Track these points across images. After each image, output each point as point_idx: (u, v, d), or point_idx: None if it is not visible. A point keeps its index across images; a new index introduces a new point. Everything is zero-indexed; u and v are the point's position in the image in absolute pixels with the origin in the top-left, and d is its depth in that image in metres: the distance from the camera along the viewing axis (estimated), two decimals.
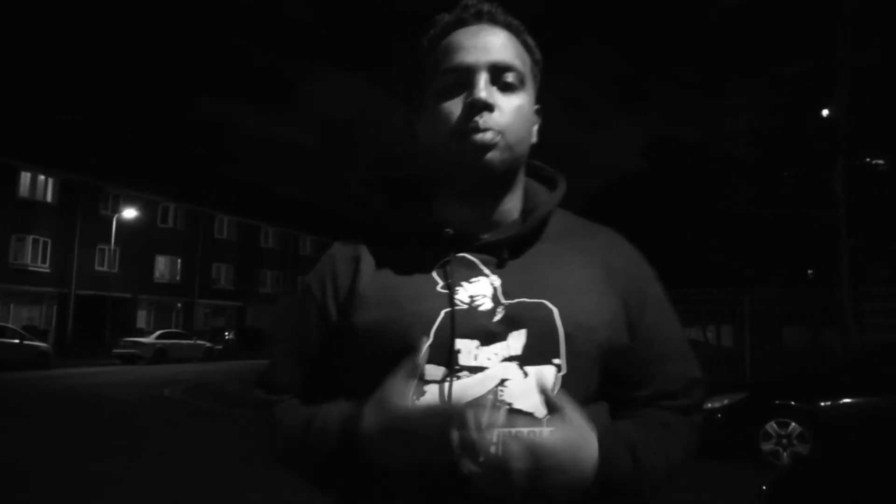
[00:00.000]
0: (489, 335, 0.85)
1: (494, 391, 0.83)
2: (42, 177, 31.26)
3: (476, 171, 0.88)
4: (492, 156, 0.87)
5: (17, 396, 13.71)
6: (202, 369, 23.05)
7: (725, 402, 7.47)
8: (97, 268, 32.93)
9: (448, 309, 0.85)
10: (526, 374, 0.83)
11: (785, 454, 6.94)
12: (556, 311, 0.86)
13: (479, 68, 0.88)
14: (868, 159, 15.59)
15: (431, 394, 0.83)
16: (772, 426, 7.04)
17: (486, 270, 0.89)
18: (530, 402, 0.82)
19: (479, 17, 0.92)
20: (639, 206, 22.56)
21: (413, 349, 0.82)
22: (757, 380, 10.98)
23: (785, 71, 15.00)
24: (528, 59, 0.94)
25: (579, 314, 0.87)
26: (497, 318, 0.85)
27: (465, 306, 0.86)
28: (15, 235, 29.88)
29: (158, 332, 27.62)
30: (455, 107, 0.88)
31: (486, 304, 0.86)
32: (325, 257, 1.00)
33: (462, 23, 0.92)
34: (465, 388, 0.82)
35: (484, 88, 0.87)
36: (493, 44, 0.89)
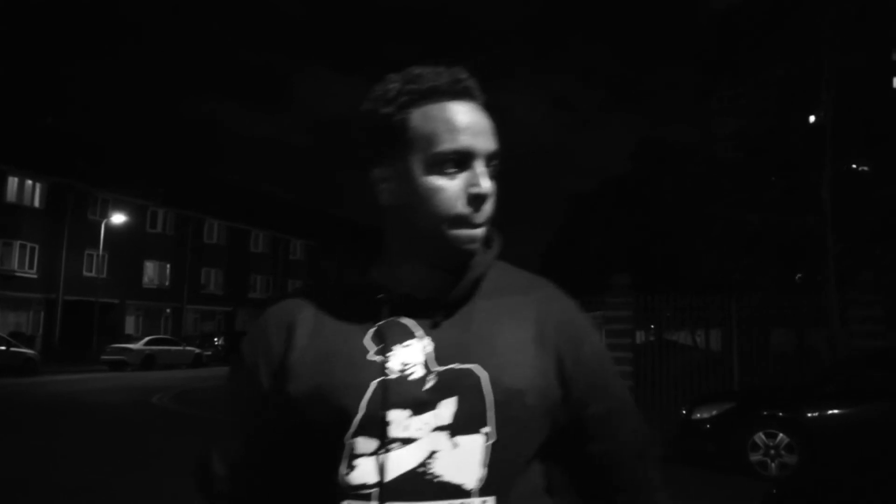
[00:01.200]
0: (420, 404, 0.84)
1: (425, 463, 0.83)
2: (30, 181, 31.05)
3: (452, 257, 0.90)
4: (474, 248, 0.90)
5: (2, 404, 13.58)
6: (191, 376, 22.91)
7: (714, 412, 7.50)
8: (85, 273, 32.70)
9: (379, 379, 0.85)
10: (455, 445, 0.83)
11: (773, 465, 6.97)
12: (484, 376, 0.86)
13: (479, 155, 0.89)
14: (854, 165, 15.72)
15: (362, 469, 0.83)
16: (759, 437, 7.07)
17: (419, 333, 0.89)
18: (461, 473, 0.82)
19: (472, 96, 0.91)
20: (626, 210, 22.65)
21: (342, 420, 0.83)
22: (745, 385, 11.03)
23: (771, 75, 15.12)
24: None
25: (508, 378, 0.86)
26: (428, 385, 0.85)
27: (397, 375, 0.86)
28: (1, 241, 29.64)
29: (146, 339, 27.41)
30: (452, 188, 0.88)
31: (417, 372, 0.86)
32: (257, 325, 0.98)
33: (457, 94, 0.90)
34: (397, 460, 0.82)
35: (486, 180, 0.88)
36: (488, 130, 0.91)
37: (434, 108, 0.89)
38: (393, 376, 0.86)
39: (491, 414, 0.85)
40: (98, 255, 32.18)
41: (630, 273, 12.13)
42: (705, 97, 18.03)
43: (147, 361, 25.62)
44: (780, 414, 7.12)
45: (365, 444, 0.83)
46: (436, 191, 0.88)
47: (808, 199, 13.50)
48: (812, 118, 15.21)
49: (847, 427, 6.86)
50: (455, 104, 0.89)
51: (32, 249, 30.93)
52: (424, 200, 0.88)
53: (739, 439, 7.11)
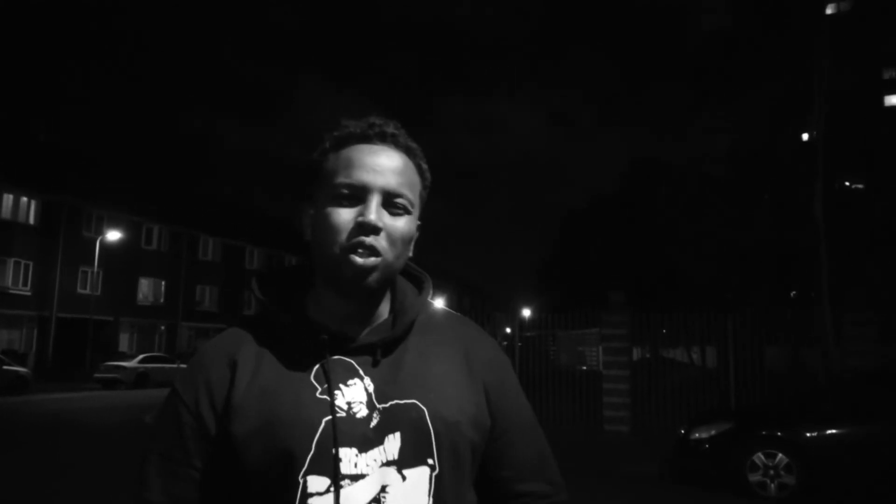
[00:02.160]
0: (367, 441, 0.89)
1: (377, 498, 0.87)
2: (24, 198, 30.96)
3: (351, 287, 0.94)
4: (371, 278, 0.93)
5: None
6: None
7: (712, 432, 7.48)
8: (79, 290, 32.53)
9: (329, 417, 0.88)
10: (404, 478, 0.88)
11: (772, 485, 6.96)
12: (426, 410, 0.92)
13: (374, 190, 0.94)
14: (847, 183, 15.84)
15: None
16: (759, 457, 7.05)
17: (361, 372, 0.94)
18: None
19: (383, 139, 0.98)
20: (620, 227, 22.71)
21: (292, 459, 0.86)
22: (741, 403, 11.01)
23: (762, 93, 15.26)
24: (418, 184, 1.00)
25: (445, 410, 0.93)
26: (373, 423, 0.90)
27: (344, 413, 0.89)
28: None
29: (140, 356, 27.21)
30: (345, 218, 0.93)
31: (362, 411, 0.90)
32: (194, 362, 0.99)
33: (366, 139, 0.97)
34: (349, 497, 0.86)
35: (374, 211, 0.93)
36: (390, 169, 0.95)
37: (346, 150, 0.97)
38: (341, 414, 0.89)
39: (433, 446, 0.91)
40: (92, 272, 32.04)
41: (625, 290, 12.16)
42: (697, 114, 18.16)
43: (140, 379, 25.43)
44: (779, 434, 7.10)
45: (317, 482, 0.86)
46: (330, 219, 0.94)
47: (799, 215, 13.58)
48: (805, 136, 15.34)
49: (846, 447, 6.85)
50: (363, 146, 0.97)
51: (26, 266, 30.78)
52: (323, 230, 0.94)
53: (738, 459, 7.09)
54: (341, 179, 0.94)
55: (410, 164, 1.00)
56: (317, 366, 0.93)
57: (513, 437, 1.03)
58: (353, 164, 0.95)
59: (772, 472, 6.99)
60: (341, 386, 0.92)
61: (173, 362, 28.52)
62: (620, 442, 10.81)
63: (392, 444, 0.89)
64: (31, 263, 30.85)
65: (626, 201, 23.88)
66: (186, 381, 0.97)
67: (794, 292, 18.66)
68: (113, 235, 32.03)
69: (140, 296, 36.67)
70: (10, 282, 30.01)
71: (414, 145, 1.01)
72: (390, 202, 0.95)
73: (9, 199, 30.34)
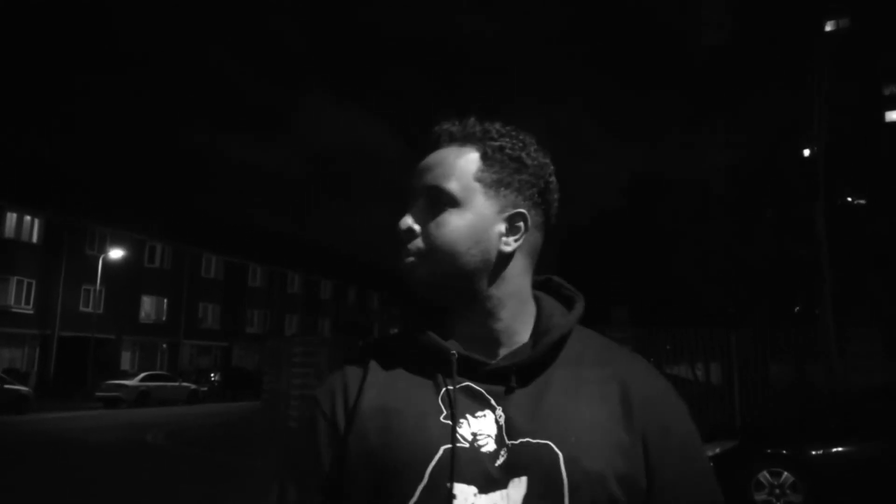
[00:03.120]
0: (489, 481, 0.78)
1: None
2: (28, 217, 31.10)
3: (419, 295, 0.90)
4: (415, 279, 0.89)
5: None
6: (186, 412, 22.65)
7: (717, 450, 7.40)
8: (81, 308, 32.55)
9: (448, 446, 0.79)
10: None
11: None
12: (561, 455, 0.79)
13: (416, 193, 0.91)
14: (849, 199, 15.84)
15: None
16: (764, 476, 6.97)
17: (493, 402, 0.84)
18: None
19: (437, 143, 0.94)
20: (623, 243, 22.70)
21: (401, 487, 0.78)
22: (746, 420, 10.93)
23: (763, 109, 15.31)
24: (484, 171, 0.89)
25: (587, 460, 0.79)
26: (500, 461, 0.79)
27: (467, 445, 0.80)
28: None
29: (142, 375, 27.14)
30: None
31: (489, 445, 0.80)
32: (335, 373, 0.95)
33: (424, 150, 0.95)
34: None
35: (410, 214, 0.90)
36: (426, 167, 0.91)
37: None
38: (463, 445, 0.80)
39: (567, 499, 0.78)
40: (95, 290, 32.07)
41: (628, 306, 12.11)
42: (698, 129, 18.22)
43: (142, 398, 25.33)
44: (784, 452, 7.03)
45: None
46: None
47: (802, 231, 13.56)
48: (806, 152, 15.37)
49: (853, 465, 6.78)
50: (431, 152, 0.94)
51: (29, 285, 30.83)
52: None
53: (743, 478, 7.01)
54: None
55: (470, 155, 0.91)
56: (444, 389, 0.85)
57: (670, 497, 0.84)
58: (409, 175, 0.95)
59: (777, 490, 6.91)
60: (468, 416, 0.82)
61: (175, 380, 28.45)
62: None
63: (516, 490, 0.78)
64: (33, 282, 30.91)
65: (627, 217, 23.88)
66: (325, 390, 0.93)
67: (797, 308, 18.59)
68: (116, 253, 32.12)
69: (142, 314, 36.68)
70: (12, 300, 30.02)
71: (477, 130, 0.93)
72: (432, 201, 0.89)
73: (12, 217, 30.47)
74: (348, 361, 0.94)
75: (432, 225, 0.88)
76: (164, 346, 37.93)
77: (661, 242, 18.56)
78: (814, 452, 6.91)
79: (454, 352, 0.85)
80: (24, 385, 23.17)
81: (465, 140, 0.92)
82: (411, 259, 0.89)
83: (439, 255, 0.87)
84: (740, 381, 11.37)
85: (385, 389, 0.86)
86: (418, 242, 0.89)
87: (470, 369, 0.85)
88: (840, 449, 6.91)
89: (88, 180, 37.35)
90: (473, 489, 0.78)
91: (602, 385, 0.86)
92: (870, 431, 7.02)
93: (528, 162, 0.92)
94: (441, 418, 0.82)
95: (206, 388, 30.41)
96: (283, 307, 46.79)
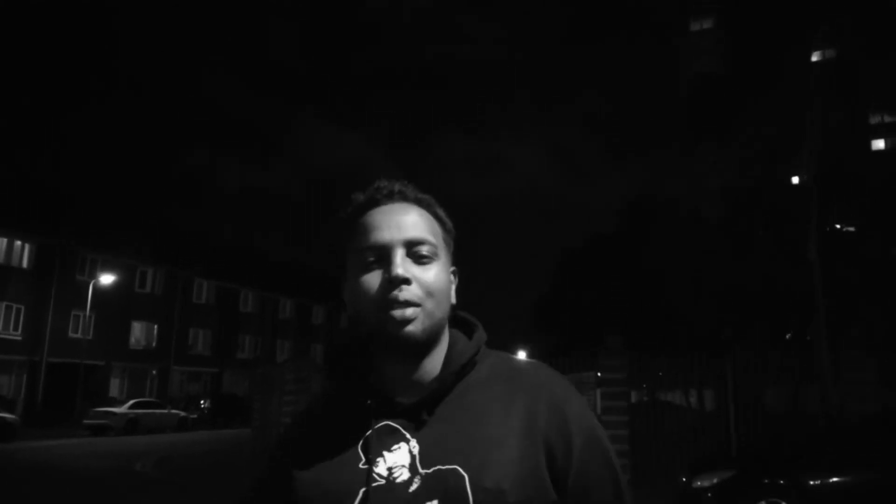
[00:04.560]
0: None
1: None
2: (18, 242, 30.91)
3: (398, 342, 0.92)
4: (412, 328, 0.91)
5: None
6: (175, 440, 22.35)
7: (715, 480, 7.35)
8: (70, 334, 32.22)
9: (364, 488, 0.88)
10: None
11: None
12: (466, 477, 0.86)
13: (395, 245, 0.94)
14: (839, 226, 15.98)
15: None
16: None
17: (407, 434, 0.92)
18: None
19: (391, 197, 0.99)
20: (617, 267, 22.75)
21: None
22: (742, 448, 10.86)
23: (754, 135, 15.52)
24: (439, 230, 1.00)
25: (488, 478, 0.86)
26: (413, 488, 0.87)
27: (383, 481, 0.88)
28: None
29: (130, 402, 26.81)
30: (374, 281, 0.93)
31: (403, 475, 0.89)
32: (292, 419, 1.08)
33: (375, 203, 0.99)
34: None
35: (400, 264, 0.92)
36: (405, 222, 0.96)
37: (359, 221, 0.99)
38: (379, 483, 0.88)
39: None
40: (85, 316, 31.77)
41: (622, 330, 12.09)
42: (692, 154, 18.43)
43: (130, 425, 25.01)
44: (782, 482, 6.99)
45: None
46: (362, 285, 0.94)
47: (794, 256, 13.65)
48: (795, 179, 15.55)
49: (851, 494, 6.73)
50: (372, 210, 0.98)
51: (18, 310, 30.53)
52: (358, 298, 0.95)
53: None
54: (363, 245, 0.96)
55: (426, 214, 1.00)
56: (367, 433, 0.94)
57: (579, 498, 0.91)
58: (369, 228, 0.96)
59: None
60: (384, 453, 0.91)
61: (164, 408, 28.10)
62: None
63: None
64: (22, 307, 30.63)
65: (621, 241, 23.99)
66: (281, 435, 1.05)
67: (788, 335, 18.63)
68: (106, 279, 31.90)
69: (132, 340, 36.33)
70: (0, 326, 29.70)
71: (425, 196, 1.02)
72: (414, 253, 0.95)
73: (2, 242, 30.29)
74: (302, 410, 1.07)
75: (420, 276, 0.94)
76: (154, 372, 37.51)
77: (654, 266, 18.62)
78: (812, 482, 6.87)
79: (369, 401, 0.95)
80: (11, 412, 22.83)
81: (416, 201, 1.00)
82: (413, 309, 0.92)
83: (433, 305, 0.94)
84: (735, 408, 11.33)
85: (313, 447, 0.96)
86: (416, 291, 0.93)
87: (387, 410, 0.94)
88: (838, 478, 6.87)
89: (81, 205, 37.20)
90: None
91: (507, 402, 0.93)
92: (868, 460, 6.99)
93: (450, 227, 1.05)
94: (360, 465, 0.91)
95: (195, 416, 30.06)
96: (274, 333, 46.48)
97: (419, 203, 1.00)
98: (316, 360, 42.76)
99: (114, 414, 25.06)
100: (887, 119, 46.89)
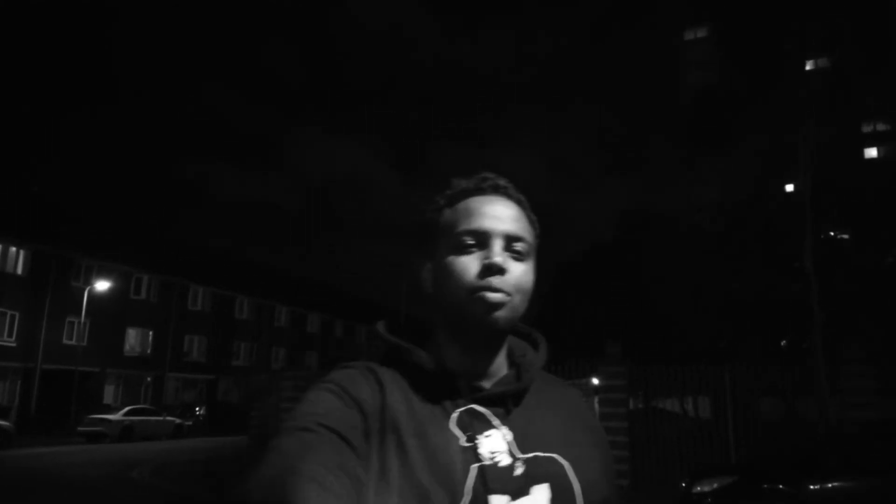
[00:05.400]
0: (515, 491, 0.89)
1: None
2: (13, 248, 30.79)
3: (483, 326, 0.95)
4: (499, 314, 0.94)
5: None
6: (171, 447, 22.24)
7: (715, 485, 7.41)
8: (65, 341, 32.06)
9: (477, 464, 0.88)
10: None
11: None
12: (566, 465, 0.94)
13: (495, 235, 0.97)
14: (832, 234, 16.09)
15: None
16: None
17: (496, 421, 0.94)
18: None
19: (496, 190, 1.02)
20: (615, 278, 22.82)
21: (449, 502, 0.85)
22: (741, 456, 10.91)
23: (749, 147, 15.63)
24: (532, 233, 1.03)
25: (586, 469, 0.95)
26: (517, 472, 0.90)
27: (490, 462, 0.90)
28: None
29: (126, 409, 26.64)
30: (470, 264, 0.96)
31: (504, 459, 0.91)
32: (346, 371, 0.96)
33: (480, 191, 1.02)
34: None
35: (499, 253, 0.96)
36: (508, 215, 0.99)
37: (461, 203, 1.02)
38: (487, 462, 0.89)
39: (579, 501, 0.92)
40: (79, 323, 31.63)
41: (621, 340, 12.15)
42: (689, 167, 18.53)
43: (126, 433, 24.86)
44: (781, 487, 7.04)
45: None
46: (456, 265, 0.96)
47: (789, 267, 13.74)
48: (789, 187, 15.65)
49: (849, 501, 6.78)
50: (480, 197, 1.01)
51: (12, 317, 30.38)
52: (448, 277, 0.97)
53: None
54: (463, 228, 0.98)
55: (523, 214, 1.03)
56: (454, 413, 0.93)
57: None
58: (472, 213, 0.99)
59: None
60: (478, 436, 0.92)
61: (160, 415, 27.98)
62: (621, 496, 10.62)
63: (541, 495, 0.90)
64: (17, 314, 30.47)
65: (619, 252, 24.09)
66: (346, 379, 0.93)
67: (783, 342, 18.71)
68: (101, 285, 31.78)
69: (127, 346, 36.18)
70: None
71: (523, 198, 1.05)
72: (511, 247, 0.98)
73: None
74: (356, 366, 0.97)
75: (514, 270, 0.97)
76: (149, 379, 37.35)
77: (651, 277, 18.69)
78: (812, 487, 6.92)
79: (460, 381, 0.96)
80: (5, 419, 22.69)
81: (517, 201, 1.03)
82: (503, 295, 0.95)
83: (519, 299, 0.97)
84: (734, 417, 11.38)
85: (409, 404, 0.92)
86: (510, 280, 0.96)
87: (468, 394, 0.96)
88: (838, 484, 6.92)
89: (76, 211, 37.14)
90: (506, 498, 0.88)
91: (564, 407, 1.04)
92: (869, 468, 7.04)
93: (539, 232, 1.07)
94: (460, 442, 0.90)
95: (191, 423, 29.92)
96: (270, 340, 46.36)
97: (519, 203, 1.03)
98: (312, 368, 42.66)
99: (109, 421, 24.91)
100: (880, 128, 47.24)
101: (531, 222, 1.04)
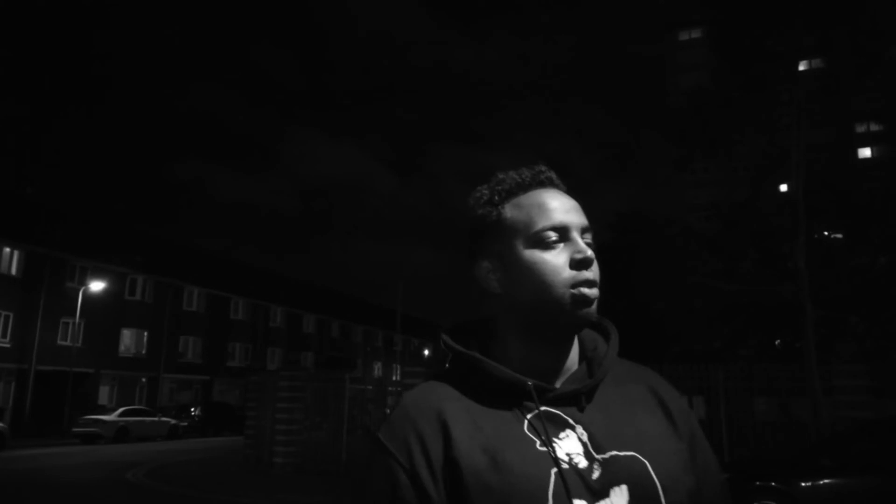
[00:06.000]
0: (594, 494, 0.86)
1: None
2: (7, 249, 30.68)
3: (578, 321, 0.94)
4: (592, 309, 0.94)
5: None
6: (166, 448, 22.21)
7: None
8: (60, 342, 31.96)
9: (556, 469, 0.87)
10: None
11: None
12: (648, 463, 0.90)
13: (573, 227, 0.96)
14: (826, 233, 16.17)
15: None
16: None
17: (571, 421, 0.92)
18: None
19: (553, 183, 1.01)
20: (607, 280, 22.90)
21: None
22: (734, 455, 10.98)
23: (742, 149, 15.67)
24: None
25: (669, 465, 0.91)
26: (595, 474, 0.88)
27: (567, 466, 0.88)
28: None
29: (120, 410, 26.59)
30: (559, 259, 0.94)
31: (582, 462, 0.88)
32: (400, 416, 0.94)
33: (540, 184, 1.00)
34: None
35: (586, 247, 0.95)
36: (575, 207, 0.99)
37: (524, 198, 0.99)
38: (565, 466, 0.87)
39: (663, 501, 0.88)
40: (74, 324, 31.54)
41: None
42: (683, 168, 18.57)
43: (120, 434, 24.81)
44: (773, 484, 7.10)
45: None
46: (542, 263, 0.94)
47: (782, 267, 13.81)
48: (783, 187, 15.71)
49: (841, 499, 6.85)
50: (541, 191, 0.99)
51: (6, 318, 30.27)
52: (533, 275, 0.94)
53: None
54: (544, 223, 0.96)
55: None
56: (526, 418, 0.91)
57: (708, 496, 0.98)
58: (546, 208, 0.97)
59: None
60: (554, 439, 0.90)
61: (154, 415, 27.94)
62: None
63: (619, 497, 0.87)
64: (10, 315, 30.35)
65: (612, 254, 24.16)
66: (395, 436, 0.92)
67: (777, 341, 18.79)
68: (96, 286, 31.70)
69: (122, 347, 36.09)
70: None
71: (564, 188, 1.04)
72: (586, 239, 0.97)
73: None
74: (417, 403, 0.95)
75: (593, 258, 0.96)
76: (144, 380, 37.27)
77: (645, 279, 18.75)
78: (803, 484, 6.99)
79: (530, 382, 0.93)
80: None
81: (568, 193, 1.02)
82: (596, 290, 0.95)
83: (597, 289, 0.96)
84: (728, 416, 11.43)
85: (473, 430, 0.90)
86: (597, 272, 0.96)
87: (540, 394, 0.93)
88: (829, 481, 6.99)
89: (70, 212, 37.02)
90: (584, 502, 0.86)
91: (643, 398, 0.99)
92: (860, 467, 7.11)
93: None
94: (537, 447, 0.88)
95: (185, 424, 29.90)
96: (265, 341, 46.30)
97: (570, 195, 1.02)
98: (307, 368, 42.62)
99: (103, 422, 24.85)
100: (873, 129, 47.49)
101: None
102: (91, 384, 33.36)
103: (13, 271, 30.87)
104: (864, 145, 46.38)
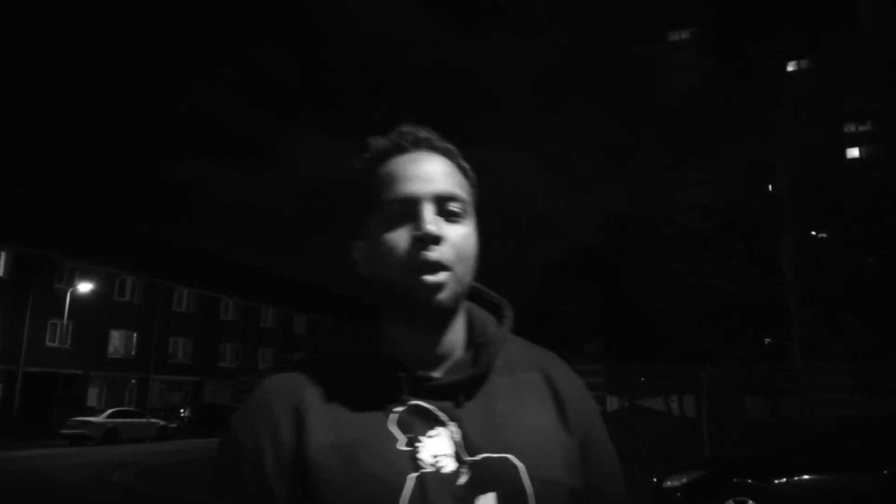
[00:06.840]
0: (458, 501, 0.77)
1: None
2: None
3: (426, 310, 0.82)
4: (443, 295, 0.82)
5: None
6: (155, 450, 22.11)
7: (684, 480, 7.52)
8: (48, 343, 31.76)
9: (414, 474, 0.77)
10: None
11: None
12: (521, 467, 0.80)
13: (424, 199, 0.83)
14: (813, 233, 16.24)
15: None
16: None
17: (443, 418, 0.82)
18: None
19: (417, 144, 0.88)
20: (598, 279, 22.92)
21: None
22: (716, 453, 11.04)
23: (734, 150, 15.75)
24: (466, 184, 0.89)
25: (545, 468, 0.81)
26: (462, 480, 0.78)
27: (431, 469, 0.78)
28: None
29: (109, 411, 26.45)
30: (400, 238, 0.82)
31: (448, 465, 0.79)
32: (255, 402, 0.85)
33: (400, 149, 0.88)
34: None
35: (431, 221, 0.82)
36: (435, 173, 0.85)
37: (381, 167, 0.87)
38: (428, 470, 0.78)
39: None
40: (62, 325, 31.34)
41: (604, 340, 12.24)
42: (677, 168, 18.64)
43: (109, 435, 24.66)
44: (750, 481, 7.15)
45: None
46: (385, 243, 0.83)
47: (772, 267, 13.86)
48: (770, 188, 15.78)
49: (818, 494, 6.90)
50: (399, 157, 0.87)
51: None
52: (379, 256, 0.84)
53: None
54: (386, 197, 0.84)
55: (454, 167, 0.89)
56: (395, 412, 0.81)
57: (600, 496, 0.89)
58: (394, 178, 0.85)
59: None
60: (422, 438, 0.80)
61: (143, 417, 27.80)
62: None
63: None
64: None
65: (604, 251, 24.22)
66: (244, 424, 0.83)
67: (767, 340, 18.85)
68: (85, 287, 31.52)
69: (111, 348, 35.90)
70: None
71: (451, 146, 0.90)
72: (445, 209, 0.84)
73: None
74: (274, 383, 0.86)
75: (452, 235, 0.84)
76: (133, 381, 37.08)
77: (636, 277, 18.79)
78: (777, 481, 7.05)
79: (402, 373, 0.83)
80: None
81: (444, 152, 0.89)
82: (444, 273, 0.82)
83: (462, 269, 0.84)
84: (709, 415, 11.50)
85: (330, 422, 0.81)
86: (447, 252, 0.82)
87: (414, 386, 0.83)
88: (805, 478, 7.05)
89: (60, 213, 36.82)
90: None
91: (537, 389, 0.89)
92: (836, 464, 7.17)
93: (475, 181, 0.93)
94: (398, 446, 0.79)
95: (175, 425, 29.77)
96: (256, 341, 46.16)
97: (447, 153, 0.89)
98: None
99: (92, 423, 24.72)
100: (861, 129, 47.81)
101: (464, 174, 0.90)
102: (80, 385, 33.16)
103: (1, 272, 30.66)
104: (854, 145, 46.72)
